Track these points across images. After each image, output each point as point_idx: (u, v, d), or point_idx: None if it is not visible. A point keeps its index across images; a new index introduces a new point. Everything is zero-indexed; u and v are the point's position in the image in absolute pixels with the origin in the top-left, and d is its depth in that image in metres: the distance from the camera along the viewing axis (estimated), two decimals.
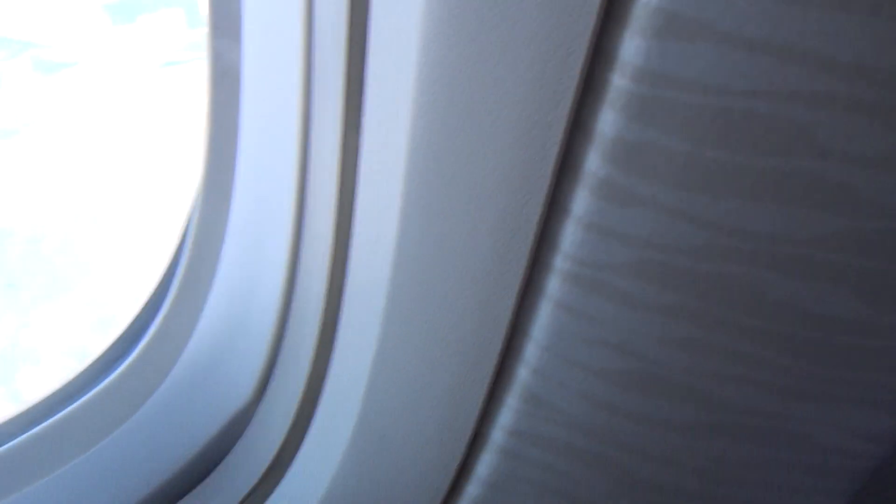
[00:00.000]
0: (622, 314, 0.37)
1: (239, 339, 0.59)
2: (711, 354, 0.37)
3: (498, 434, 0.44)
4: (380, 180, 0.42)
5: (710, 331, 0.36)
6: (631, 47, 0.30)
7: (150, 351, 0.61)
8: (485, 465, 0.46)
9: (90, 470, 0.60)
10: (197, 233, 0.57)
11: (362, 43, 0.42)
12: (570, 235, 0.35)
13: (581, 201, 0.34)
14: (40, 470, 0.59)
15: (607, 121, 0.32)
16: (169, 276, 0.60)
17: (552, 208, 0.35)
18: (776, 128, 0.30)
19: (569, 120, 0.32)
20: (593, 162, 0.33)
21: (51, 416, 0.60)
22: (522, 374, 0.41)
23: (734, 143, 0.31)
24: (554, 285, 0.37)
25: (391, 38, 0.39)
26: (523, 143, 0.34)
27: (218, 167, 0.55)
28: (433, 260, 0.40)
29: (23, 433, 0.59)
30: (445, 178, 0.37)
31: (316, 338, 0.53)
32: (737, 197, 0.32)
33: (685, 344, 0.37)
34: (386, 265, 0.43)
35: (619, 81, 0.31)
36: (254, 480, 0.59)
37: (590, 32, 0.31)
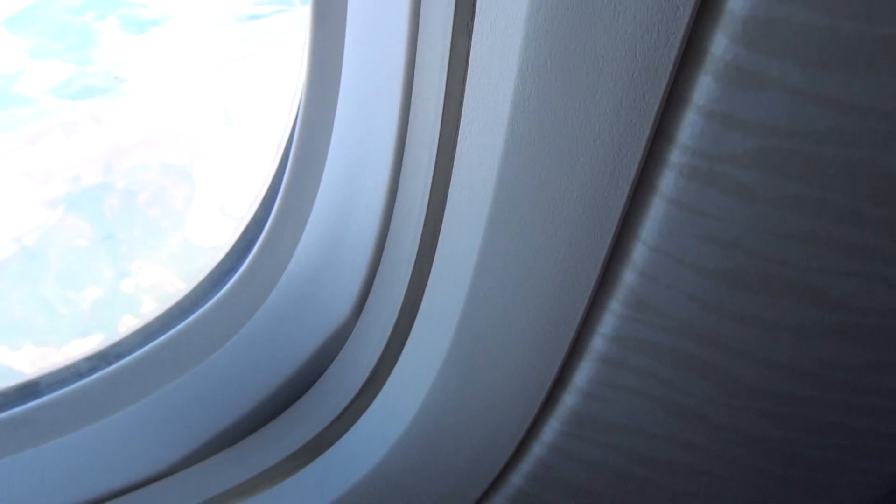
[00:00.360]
0: (739, 208, 0.36)
1: (340, 255, 0.61)
2: (832, 249, 0.36)
3: (599, 341, 0.44)
4: (489, 81, 0.42)
5: (832, 223, 0.35)
6: None
7: (254, 268, 0.63)
8: (583, 373, 0.46)
9: (202, 382, 0.63)
10: (299, 148, 0.58)
11: None
12: (690, 126, 0.34)
13: (703, 88, 0.33)
14: (158, 381, 0.62)
15: None
16: (272, 195, 0.62)
17: (671, 97, 0.34)
18: None
19: (697, 0, 0.31)
20: (720, 44, 0.32)
21: (166, 332, 0.63)
22: (628, 277, 0.41)
23: (878, 14, 0.29)
24: (668, 181, 0.36)
25: None
26: (646, 28, 0.33)
27: (321, 81, 0.56)
28: (540, 161, 0.40)
29: (141, 347, 0.63)
30: (560, 71, 0.37)
31: (415, 249, 0.53)
32: (875, 72, 0.30)
33: (804, 238, 0.36)
34: (491, 169, 0.43)
35: None
36: (353, 392, 0.61)
37: None
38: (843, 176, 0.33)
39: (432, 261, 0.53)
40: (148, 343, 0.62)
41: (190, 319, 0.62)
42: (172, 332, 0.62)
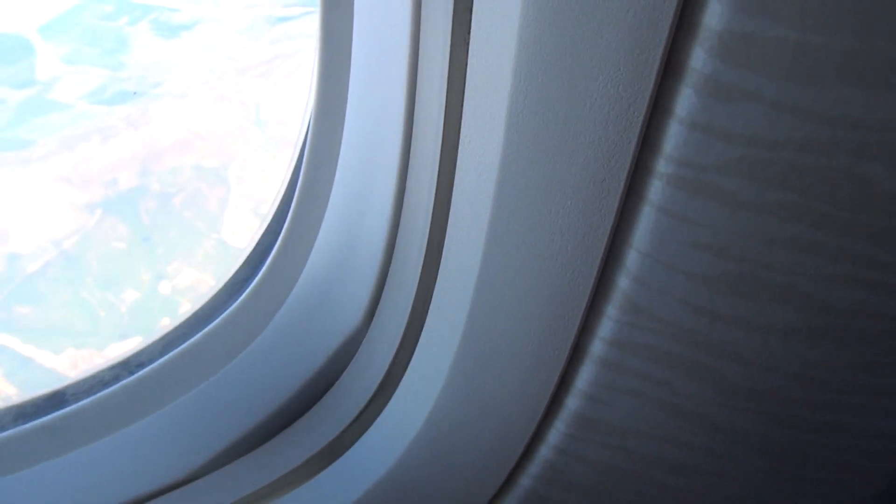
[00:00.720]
0: (724, 215, 0.36)
1: (350, 264, 0.62)
2: (814, 254, 0.36)
3: (598, 345, 0.45)
4: (485, 96, 0.43)
5: (813, 229, 0.35)
6: None
7: (268, 279, 0.64)
8: (584, 377, 0.47)
9: (221, 390, 0.65)
10: (309, 163, 0.60)
11: None
12: (674, 136, 0.35)
13: (685, 100, 0.34)
14: (178, 390, 0.64)
15: (714, 13, 0.31)
16: (284, 207, 0.64)
17: (656, 109, 0.35)
18: (889, 13, 0.29)
19: (675, 15, 0.32)
20: (699, 58, 0.32)
21: (185, 341, 0.65)
22: (623, 282, 0.42)
23: (844, 29, 0.30)
24: (656, 190, 0.37)
25: None
26: (628, 43, 0.34)
27: (331, 94, 0.57)
28: (536, 172, 0.41)
29: (162, 356, 0.65)
30: (550, 86, 0.38)
31: (422, 261, 0.55)
32: (845, 84, 0.31)
33: (787, 243, 0.36)
34: (490, 182, 0.44)
35: None
36: (366, 398, 0.62)
37: None
38: (821, 183, 0.34)
39: (438, 269, 0.54)
40: (168, 352, 0.64)
41: (208, 329, 0.64)
42: (191, 341, 0.64)
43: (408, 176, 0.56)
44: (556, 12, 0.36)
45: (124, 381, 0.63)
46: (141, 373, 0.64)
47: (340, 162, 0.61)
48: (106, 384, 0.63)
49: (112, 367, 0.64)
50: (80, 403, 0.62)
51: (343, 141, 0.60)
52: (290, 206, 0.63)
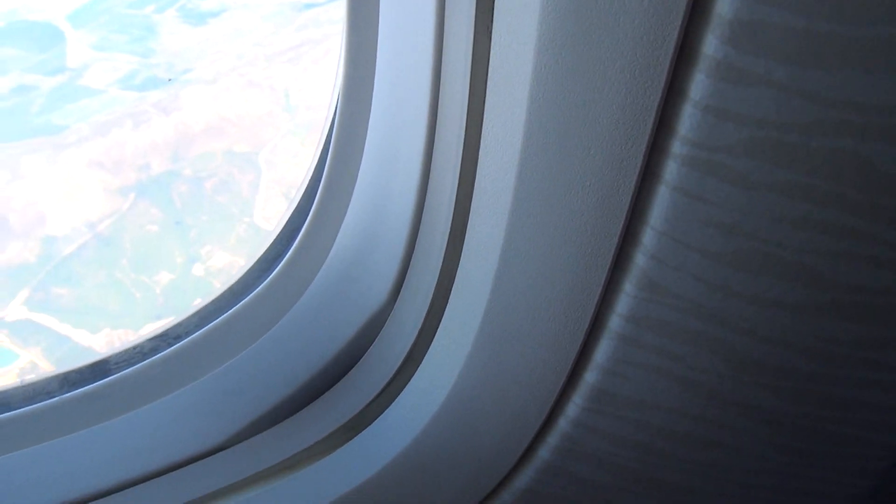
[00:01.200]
0: (736, 194, 0.38)
1: (377, 243, 0.64)
2: (822, 232, 0.37)
3: (616, 320, 0.47)
4: (507, 81, 0.44)
5: (820, 207, 0.37)
6: None
7: (298, 256, 0.67)
8: (602, 351, 0.49)
9: (253, 362, 0.67)
10: (337, 145, 0.62)
11: None
12: (688, 119, 0.36)
13: (698, 84, 0.35)
14: (213, 361, 0.67)
15: (725, 2, 0.33)
16: (313, 187, 0.66)
17: (671, 93, 0.37)
18: (891, 0, 0.30)
19: (688, 4, 0.33)
20: (711, 44, 0.34)
21: (218, 316, 0.68)
22: (640, 260, 0.43)
23: (848, 15, 0.31)
24: (671, 170, 0.39)
25: None
26: (644, 30, 0.35)
27: (357, 80, 0.59)
28: (556, 154, 0.43)
29: (198, 329, 0.68)
30: (570, 69, 0.39)
31: (446, 239, 0.57)
32: (849, 68, 0.32)
33: (796, 222, 0.38)
34: (513, 160, 0.45)
35: None
36: (391, 373, 0.64)
37: None
38: (828, 164, 0.35)
39: (462, 247, 0.56)
40: (203, 326, 0.67)
41: (240, 304, 0.66)
42: (224, 316, 0.67)
43: (433, 158, 0.58)
44: (575, 2, 0.37)
45: (163, 353, 0.66)
46: (178, 345, 0.67)
47: (367, 145, 0.63)
48: (145, 355, 0.66)
49: (152, 339, 0.67)
50: (122, 373, 0.65)
51: (369, 125, 0.62)
52: (318, 187, 0.65)
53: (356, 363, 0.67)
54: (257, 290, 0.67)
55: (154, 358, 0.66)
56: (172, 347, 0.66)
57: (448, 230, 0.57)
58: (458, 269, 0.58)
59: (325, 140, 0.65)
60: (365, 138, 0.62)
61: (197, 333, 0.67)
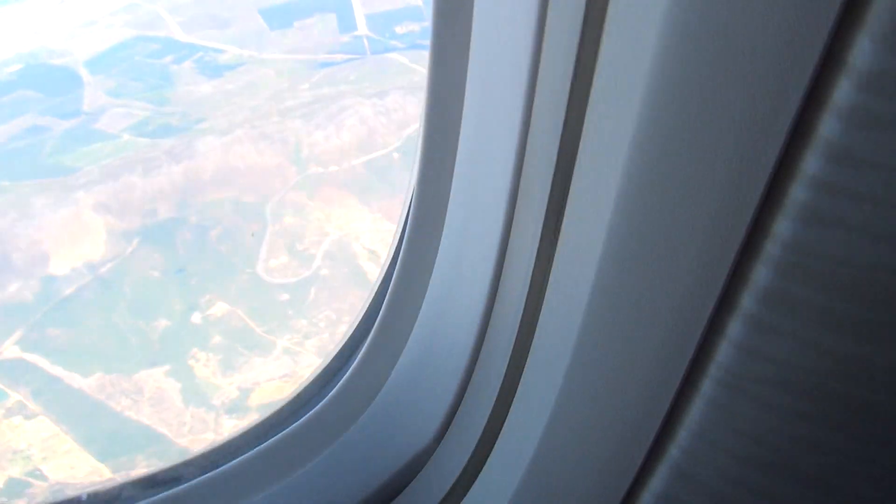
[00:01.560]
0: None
1: (430, 380, 0.68)
2: None
3: (675, 451, 0.47)
4: (592, 182, 0.43)
5: None
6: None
7: (354, 381, 0.70)
8: (659, 479, 0.49)
9: (300, 487, 0.70)
10: (401, 274, 0.65)
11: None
12: (784, 228, 0.33)
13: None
14: (267, 480, 0.70)
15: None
16: (378, 301, 0.68)
17: (768, 200, 0.34)
18: None
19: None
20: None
21: (273, 435, 0.71)
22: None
23: None
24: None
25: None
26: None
27: (428, 215, 0.61)
28: (634, 277, 0.42)
29: (255, 447, 0.71)
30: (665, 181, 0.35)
31: (498, 387, 0.60)
32: None
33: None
34: (573, 327, 0.47)
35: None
36: None
37: None
38: None
39: (511, 403, 0.59)
40: (258, 444, 0.70)
41: (290, 428, 0.70)
42: (275, 437, 0.70)
43: (493, 310, 0.61)
44: (676, 106, 0.37)
45: (222, 468, 0.68)
46: (232, 462, 0.70)
47: (434, 273, 0.65)
48: (205, 470, 0.69)
49: (206, 455, 0.70)
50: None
51: (440, 249, 0.64)
52: (382, 301, 0.67)
53: (399, 493, 0.70)
54: (309, 413, 0.71)
55: (212, 473, 0.69)
56: (208, 474, 0.69)
57: (502, 378, 0.60)
58: (507, 420, 0.61)
59: (388, 266, 0.68)
60: (432, 268, 0.65)
61: (254, 451, 0.70)
